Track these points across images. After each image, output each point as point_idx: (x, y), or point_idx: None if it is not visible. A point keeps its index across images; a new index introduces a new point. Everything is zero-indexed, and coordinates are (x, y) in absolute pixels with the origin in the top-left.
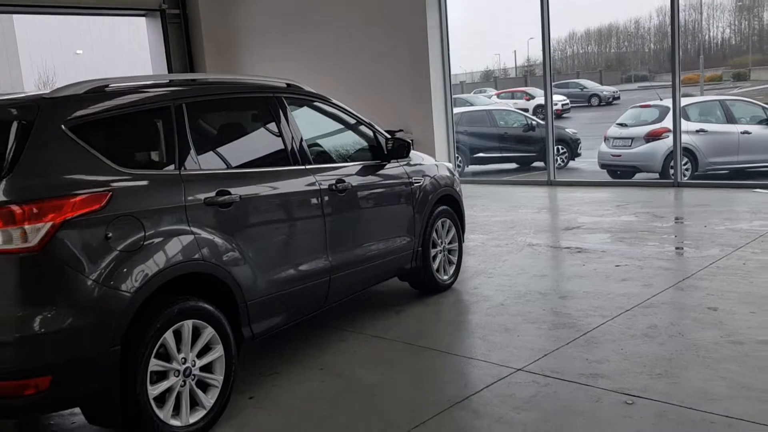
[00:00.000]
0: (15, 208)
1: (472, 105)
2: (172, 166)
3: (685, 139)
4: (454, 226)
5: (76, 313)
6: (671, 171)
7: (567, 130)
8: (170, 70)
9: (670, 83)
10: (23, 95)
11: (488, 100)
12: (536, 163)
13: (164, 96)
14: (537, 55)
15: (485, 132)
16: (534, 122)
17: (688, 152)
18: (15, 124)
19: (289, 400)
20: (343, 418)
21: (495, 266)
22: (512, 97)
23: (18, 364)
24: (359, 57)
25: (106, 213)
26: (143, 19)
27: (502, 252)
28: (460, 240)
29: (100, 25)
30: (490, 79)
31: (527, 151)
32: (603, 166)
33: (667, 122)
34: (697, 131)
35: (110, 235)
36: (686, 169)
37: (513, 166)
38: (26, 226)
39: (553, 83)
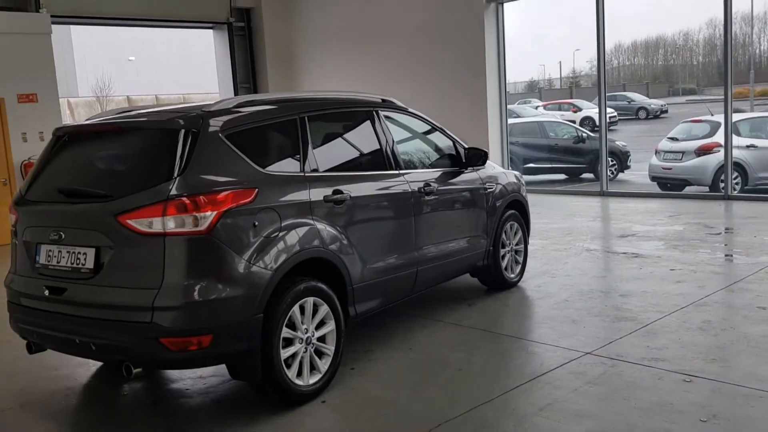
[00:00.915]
0: (190, 199)
1: (518, 116)
2: (298, 169)
3: (736, 153)
4: (520, 229)
5: (232, 285)
6: (721, 184)
7: (617, 142)
8: (235, 79)
9: (720, 97)
10: (183, 107)
11: (535, 111)
12: (584, 175)
13: (292, 110)
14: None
15: (536, 143)
16: (584, 134)
17: (738, 167)
18: (182, 132)
19: (385, 371)
20: (437, 386)
21: (556, 268)
22: (559, 109)
23: (187, 323)
24: (417, 68)
25: (254, 205)
26: (192, 30)
27: (561, 255)
28: (526, 242)
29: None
30: (534, 90)
31: (577, 163)
32: (654, 178)
33: (718, 137)
34: (748, 146)
35: (257, 223)
36: (736, 183)
37: (562, 177)
38: (198, 214)
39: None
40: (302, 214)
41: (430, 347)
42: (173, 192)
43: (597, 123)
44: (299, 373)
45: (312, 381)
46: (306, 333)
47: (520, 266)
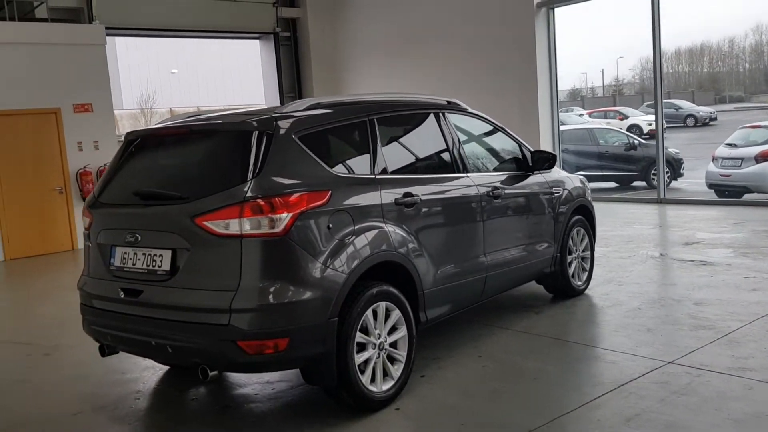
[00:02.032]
0: (266, 201)
1: (563, 123)
2: (369, 171)
3: None
4: (587, 235)
5: (309, 288)
6: None
7: (670, 149)
8: (281, 88)
9: (762, 105)
10: (255, 110)
11: (580, 119)
12: (636, 183)
13: (361, 112)
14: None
15: (586, 150)
16: (636, 141)
17: None
18: (256, 134)
19: (457, 379)
20: (513, 395)
21: (622, 275)
22: (604, 117)
23: (265, 326)
24: (464, 75)
25: (328, 207)
26: (234, 41)
27: (626, 263)
28: (592, 248)
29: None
30: (576, 98)
31: (628, 170)
32: (711, 186)
33: None
34: None
35: (331, 226)
36: None
37: (612, 185)
38: (274, 216)
39: (645, 104)
40: (374, 217)
41: (501, 355)
42: (249, 194)
43: (644, 131)
44: (372, 379)
45: (385, 387)
46: (379, 338)
47: (586, 273)
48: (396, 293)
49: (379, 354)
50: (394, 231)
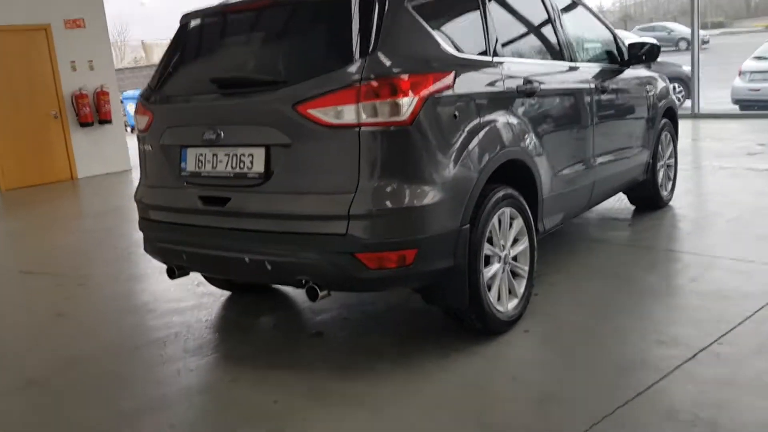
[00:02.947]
0: (387, 82)
1: None
2: (488, 54)
3: None
4: (672, 141)
5: (440, 189)
6: None
7: (683, 68)
8: None
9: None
10: None
11: None
12: None
13: None
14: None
15: None
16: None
17: None
18: (363, 1)
19: (578, 296)
20: (651, 309)
21: (699, 187)
22: None
23: (391, 235)
24: None
25: (454, 92)
26: None
27: (694, 175)
28: (676, 155)
29: None
30: None
31: None
32: (738, 101)
33: None
34: None
35: (457, 115)
36: None
37: None
38: (398, 100)
39: (638, 27)
40: (497, 107)
41: (615, 269)
42: (365, 74)
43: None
44: (498, 298)
45: (511, 306)
46: (503, 250)
47: (671, 183)
48: (520, 198)
49: (503, 268)
50: (518, 124)
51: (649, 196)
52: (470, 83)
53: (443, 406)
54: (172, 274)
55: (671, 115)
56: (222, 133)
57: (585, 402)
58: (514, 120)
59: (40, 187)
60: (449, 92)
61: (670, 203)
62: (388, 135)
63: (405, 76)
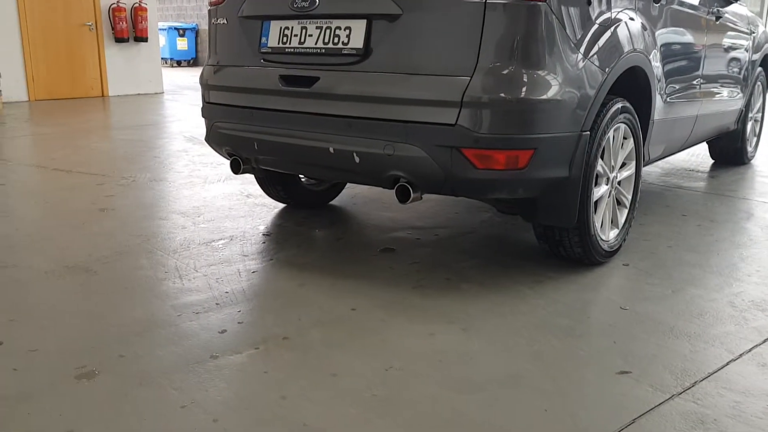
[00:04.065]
0: None
1: None
2: None
3: None
4: (763, 94)
5: (567, 83)
6: None
7: None
8: None
9: None
10: None
11: None
12: None
13: None
14: None
15: None
16: None
17: None
18: None
19: (674, 236)
20: (743, 250)
21: None
22: None
23: (508, 130)
24: None
25: None
26: None
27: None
28: (764, 111)
29: None
30: None
31: None
32: None
33: None
34: None
35: (591, 1)
36: None
37: None
38: None
39: None
40: (629, 3)
41: (709, 214)
42: None
43: None
44: (600, 225)
45: (611, 236)
46: (612, 171)
47: (756, 139)
48: (634, 116)
49: (610, 192)
50: (647, 29)
51: (734, 150)
52: None
53: (543, 327)
54: (237, 167)
55: (765, 65)
56: (317, 1)
57: (712, 341)
58: (644, 22)
59: (69, 100)
60: None
61: (752, 161)
62: (518, 11)
63: None
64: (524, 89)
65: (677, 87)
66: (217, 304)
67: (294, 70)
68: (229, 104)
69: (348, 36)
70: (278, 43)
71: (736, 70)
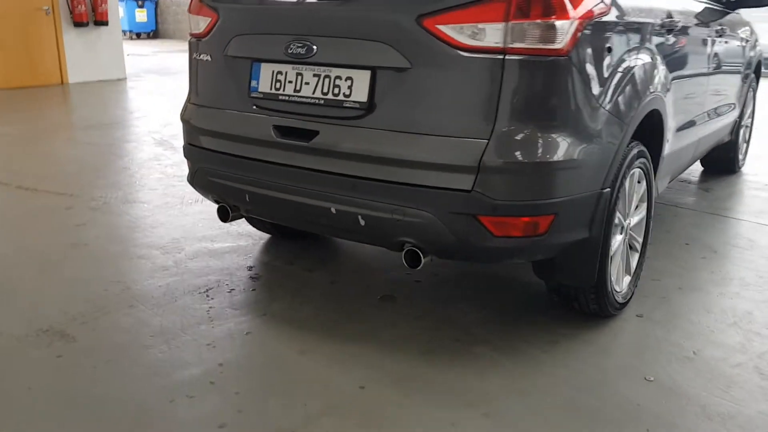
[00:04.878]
0: None
1: None
2: None
3: None
4: (753, 99)
5: (589, 140)
6: None
7: None
8: None
9: None
10: None
11: None
12: None
13: None
14: None
15: None
16: None
17: None
18: None
19: (680, 271)
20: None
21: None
22: None
23: (528, 195)
24: None
25: (610, 18)
26: None
27: (760, 136)
28: (754, 115)
29: None
30: None
31: None
32: None
33: None
34: None
35: (611, 48)
36: None
37: None
38: (556, 22)
39: None
40: (644, 42)
41: (712, 242)
42: None
43: None
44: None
45: (625, 285)
46: (626, 218)
47: (745, 146)
48: (648, 157)
49: (624, 240)
50: (661, 67)
51: (726, 159)
52: (624, 7)
53: (569, 410)
54: (225, 215)
55: (757, 70)
56: (315, 47)
57: (746, 425)
58: (658, 57)
59: (26, 89)
60: (606, 17)
61: (742, 169)
62: (540, 67)
63: None
64: (547, 152)
65: (685, 117)
66: (212, 383)
67: (290, 120)
68: (216, 150)
69: (350, 87)
70: (271, 89)
71: (734, 82)
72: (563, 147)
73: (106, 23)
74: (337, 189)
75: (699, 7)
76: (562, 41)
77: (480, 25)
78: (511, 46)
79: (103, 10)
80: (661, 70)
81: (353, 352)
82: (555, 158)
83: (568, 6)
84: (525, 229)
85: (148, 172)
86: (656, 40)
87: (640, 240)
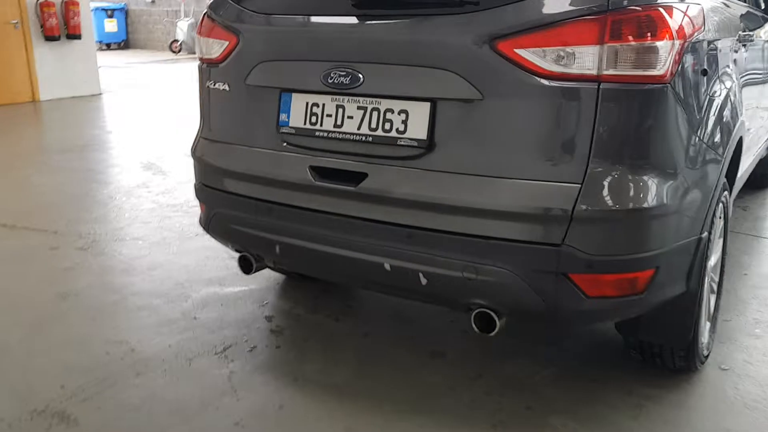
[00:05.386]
0: (644, 14)
1: None
2: None
3: None
4: None
5: (691, 179)
6: None
7: None
8: None
9: None
10: None
11: None
12: None
13: None
14: None
15: None
16: None
17: None
18: None
19: (754, 310)
20: None
21: None
22: None
23: (628, 248)
24: None
25: (703, 36)
26: None
27: None
28: None
29: None
30: None
31: None
32: None
33: None
34: None
35: (707, 70)
36: None
37: None
38: (656, 44)
39: None
40: (727, 59)
41: None
42: None
43: None
44: None
45: (707, 335)
46: (710, 260)
47: None
48: (729, 189)
49: (707, 284)
50: (740, 87)
51: (761, 174)
52: (711, 22)
53: None
54: (248, 268)
55: None
56: (361, 76)
57: None
58: (738, 81)
59: None
60: (702, 35)
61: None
62: (641, 97)
63: (665, 8)
64: (653, 196)
65: (752, 138)
66: None
67: (330, 160)
68: (239, 194)
69: (404, 122)
70: (305, 123)
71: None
72: (667, 189)
73: (79, 37)
74: (392, 241)
75: (756, 18)
76: (662, 66)
77: (568, 49)
78: (606, 72)
79: (75, 23)
80: (742, 92)
81: (410, 427)
82: (659, 203)
83: (671, 24)
84: (622, 287)
85: (138, 201)
86: (733, 56)
87: (717, 279)
